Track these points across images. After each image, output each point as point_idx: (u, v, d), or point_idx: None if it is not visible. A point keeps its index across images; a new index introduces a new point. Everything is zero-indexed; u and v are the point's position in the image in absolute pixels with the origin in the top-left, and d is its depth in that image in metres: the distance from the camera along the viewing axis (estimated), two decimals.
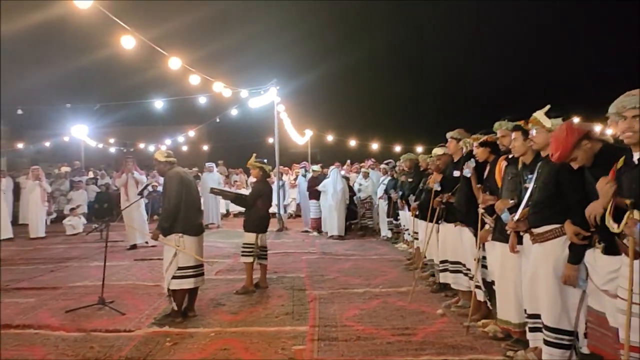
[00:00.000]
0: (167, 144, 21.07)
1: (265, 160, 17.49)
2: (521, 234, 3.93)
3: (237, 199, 7.26)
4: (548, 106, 3.67)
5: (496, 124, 4.66)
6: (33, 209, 12.33)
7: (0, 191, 11.99)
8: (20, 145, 25.08)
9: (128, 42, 7.25)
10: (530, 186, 3.70)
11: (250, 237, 6.59)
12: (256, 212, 6.64)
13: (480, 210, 4.70)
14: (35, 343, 4.68)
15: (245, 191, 8.51)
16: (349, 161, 17.11)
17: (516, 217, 3.75)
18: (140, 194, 6.34)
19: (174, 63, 8.68)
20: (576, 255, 3.29)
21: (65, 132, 22.48)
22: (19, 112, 15.41)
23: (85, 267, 8.34)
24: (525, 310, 3.88)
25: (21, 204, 14.25)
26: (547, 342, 3.51)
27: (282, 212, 13.77)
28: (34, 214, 12.29)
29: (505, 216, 4.06)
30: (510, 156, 4.41)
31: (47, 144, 23.37)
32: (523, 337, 4.15)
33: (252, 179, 7.11)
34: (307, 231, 12.74)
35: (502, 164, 4.59)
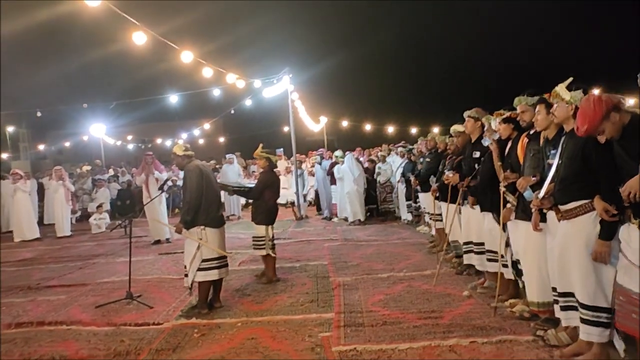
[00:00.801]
0: (184, 138, 21.25)
1: (282, 149, 17.28)
2: (544, 211, 3.85)
3: (240, 191, 7.09)
4: (570, 79, 3.55)
5: (516, 99, 4.53)
6: (58, 209, 12.54)
7: (23, 192, 12.29)
8: (41, 147, 25.62)
9: (139, 38, 7.28)
10: (555, 162, 3.59)
11: (261, 230, 6.54)
12: (264, 203, 6.55)
13: (502, 189, 4.62)
14: (68, 339, 4.79)
15: (249, 183, 8.37)
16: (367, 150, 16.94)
17: (541, 194, 3.66)
18: (161, 188, 6.39)
19: (186, 56, 8.71)
20: (608, 230, 3.20)
21: (84, 132, 22.88)
22: (39, 114, 15.63)
23: (111, 263, 8.48)
24: (554, 289, 3.80)
25: (46, 204, 14.53)
26: (584, 320, 3.43)
27: (301, 200, 13.78)
28: (59, 214, 12.51)
29: (528, 194, 3.97)
30: (532, 132, 4.32)
31: (68, 144, 23.78)
32: (552, 315, 4.10)
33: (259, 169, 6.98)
34: (327, 217, 12.74)
35: (524, 140, 4.50)
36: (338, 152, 13.14)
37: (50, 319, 5.35)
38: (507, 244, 4.88)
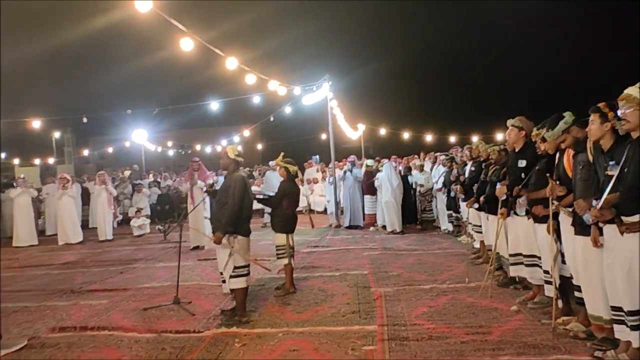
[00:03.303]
0: (223, 144, 21.45)
1: (317, 156, 17.12)
2: (600, 224, 3.62)
3: (261, 200, 6.88)
4: None
5: (546, 135, 4.45)
6: (100, 213, 12.85)
7: (70, 197, 12.62)
8: (85, 152, 26.42)
9: (186, 44, 7.35)
10: (616, 171, 3.37)
11: (281, 238, 6.43)
12: (282, 212, 6.45)
13: (555, 202, 4.41)
14: (110, 344, 4.81)
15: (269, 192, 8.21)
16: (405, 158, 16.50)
17: (600, 204, 3.41)
18: (207, 192, 6.40)
19: (231, 63, 8.73)
20: None
21: (126, 137, 23.45)
22: (84, 119, 16.03)
23: (151, 268, 8.57)
24: (617, 308, 3.55)
25: (90, 208, 14.89)
26: None
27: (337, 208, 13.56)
28: (101, 218, 12.81)
29: (587, 217, 3.73)
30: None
31: (110, 149, 24.41)
32: (609, 335, 3.85)
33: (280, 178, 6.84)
34: (358, 226, 12.45)
35: (569, 152, 4.33)
36: (370, 161, 12.88)
37: (93, 324, 5.39)
38: (564, 261, 4.64)
